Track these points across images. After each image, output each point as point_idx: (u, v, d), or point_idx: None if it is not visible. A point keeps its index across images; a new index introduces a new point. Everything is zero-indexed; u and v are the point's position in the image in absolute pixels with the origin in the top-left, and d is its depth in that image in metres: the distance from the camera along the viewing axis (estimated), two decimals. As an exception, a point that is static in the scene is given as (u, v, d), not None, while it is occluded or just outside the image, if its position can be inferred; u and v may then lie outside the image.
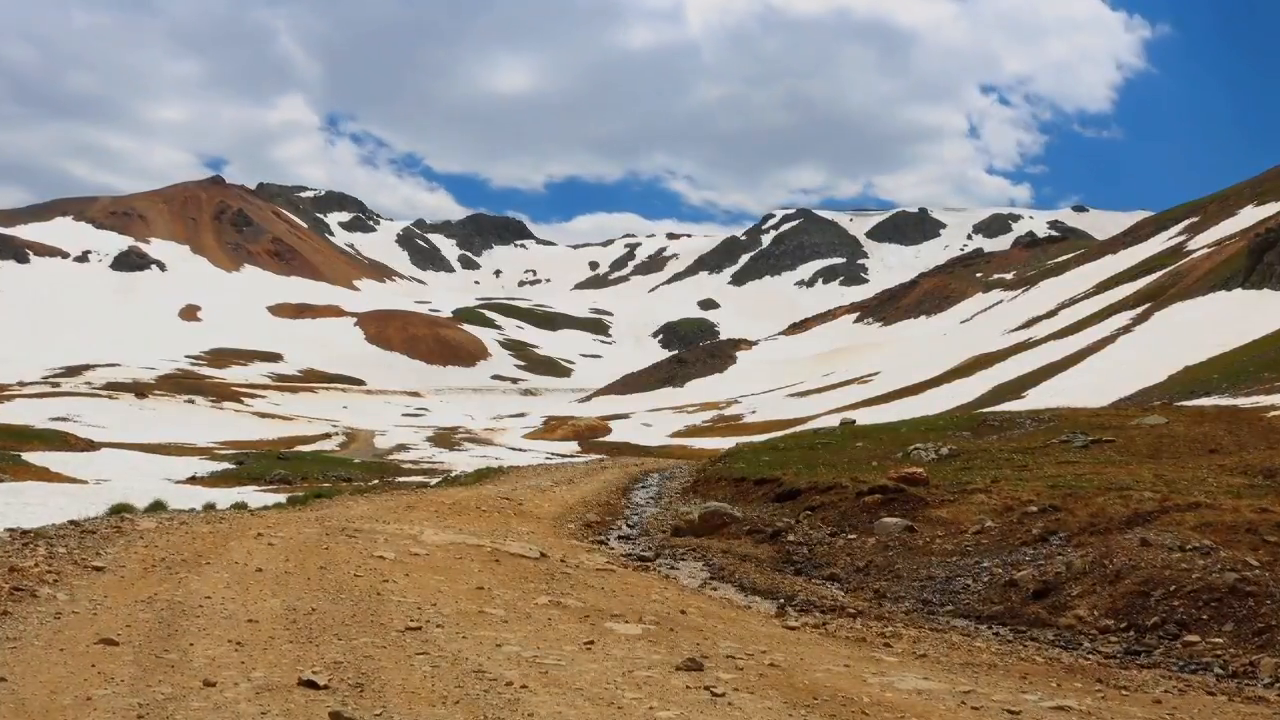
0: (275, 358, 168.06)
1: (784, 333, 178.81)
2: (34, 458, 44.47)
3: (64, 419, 77.87)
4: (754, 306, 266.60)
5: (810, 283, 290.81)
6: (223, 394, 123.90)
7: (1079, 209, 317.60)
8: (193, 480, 44.33)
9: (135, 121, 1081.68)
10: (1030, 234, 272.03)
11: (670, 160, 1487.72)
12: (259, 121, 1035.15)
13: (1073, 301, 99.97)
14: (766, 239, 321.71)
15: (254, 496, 27.80)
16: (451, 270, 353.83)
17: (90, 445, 57.97)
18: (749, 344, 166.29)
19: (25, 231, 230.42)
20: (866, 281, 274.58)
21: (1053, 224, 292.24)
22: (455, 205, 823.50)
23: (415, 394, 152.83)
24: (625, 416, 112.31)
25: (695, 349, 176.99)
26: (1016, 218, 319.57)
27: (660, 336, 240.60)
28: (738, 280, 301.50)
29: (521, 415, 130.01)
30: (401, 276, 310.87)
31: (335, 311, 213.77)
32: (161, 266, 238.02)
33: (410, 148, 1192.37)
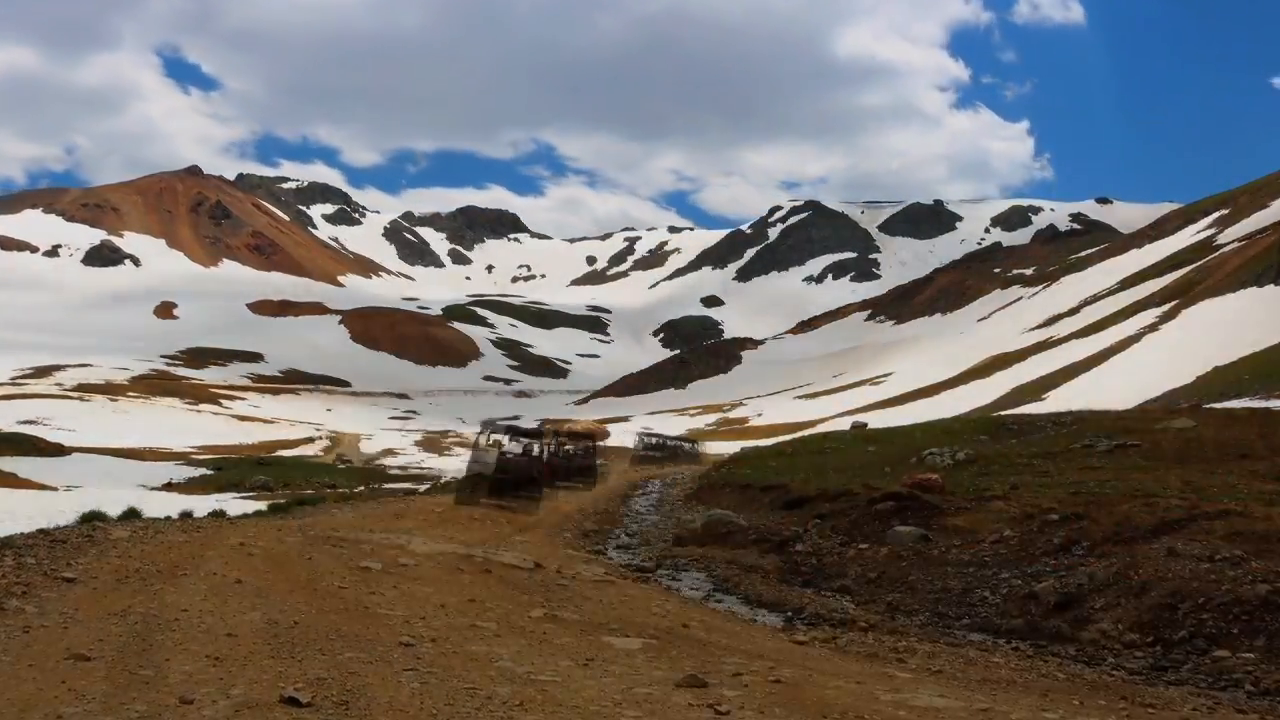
0: (255, 357, 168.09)
1: (791, 331, 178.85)
2: (0, 463, 44.46)
3: (32, 422, 77.76)
4: (760, 304, 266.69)
5: (819, 279, 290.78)
6: (200, 396, 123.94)
7: (1102, 201, 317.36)
8: (168, 487, 44.31)
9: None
10: (1051, 227, 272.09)
11: (540, 123, 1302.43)
12: (87, 77, 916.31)
13: (1096, 298, 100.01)
14: (773, 232, 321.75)
15: (233, 504, 27.75)
16: (441, 265, 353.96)
17: (60, 450, 57.94)
18: (755, 343, 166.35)
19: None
20: (878, 277, 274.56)
21: (1074, 217, 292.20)
22: (299, 167, 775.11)
23: (403, 396, 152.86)
24: (625, 419, 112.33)
25: (698, 348, 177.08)
26: (1036, 210, 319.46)
27: (661, 335, 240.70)
28: (743, 276, 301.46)
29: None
30: (389, 272, 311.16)
31: (319, 309, 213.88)
32: (136, 261, 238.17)
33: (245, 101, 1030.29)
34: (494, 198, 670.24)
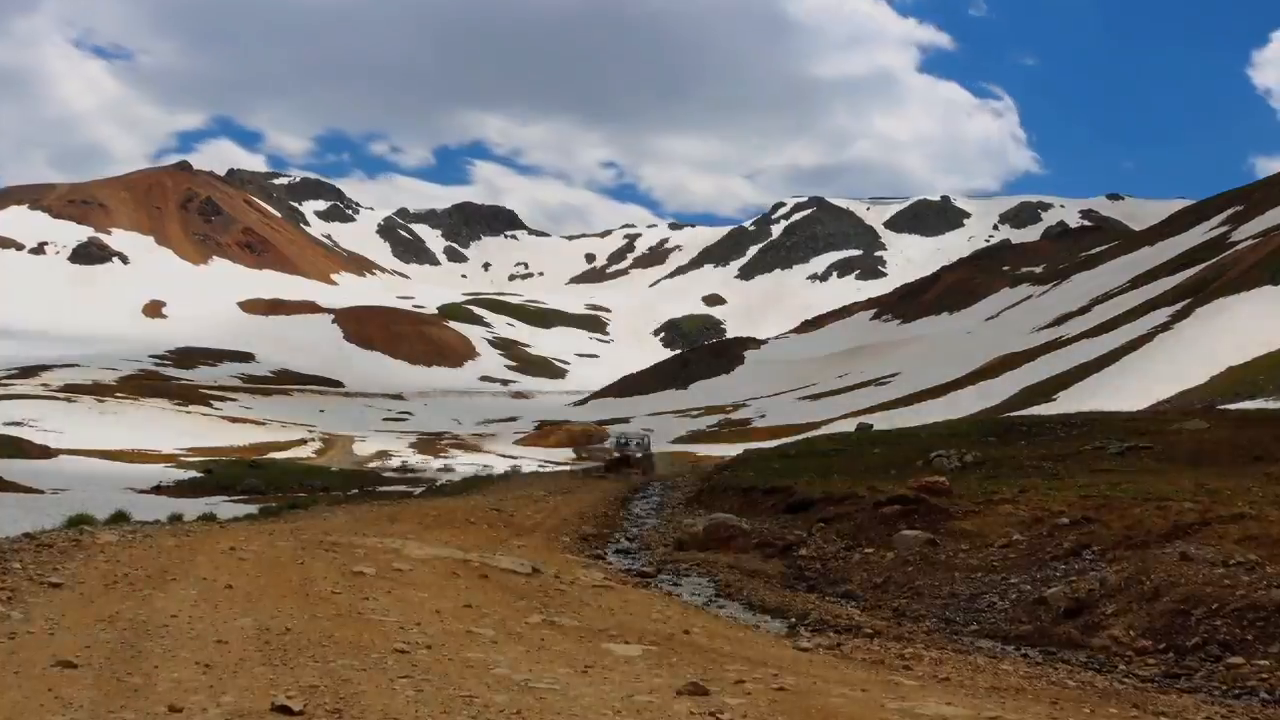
0: (246, 357, 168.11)
1: (795, 331, 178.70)
2: (-14, 465, 44.48)
3: (18, 423, 77.83)
4: (763, 302, 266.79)
5: (824, 277, 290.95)
6: (190, 397, 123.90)
7: (1114, 197, 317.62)
8: (157, 490, 44.40)
9: None
10: (1061, 224, 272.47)
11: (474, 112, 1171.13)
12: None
13: (1107, 297, 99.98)
14: (776, 229, 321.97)
15: (223, 507, 27.81)
16: (437, 263, 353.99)
17: (46, 452, 58.06)
18: (757, 343, 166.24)
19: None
20: (884, 275, 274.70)
21: (1085, 213, 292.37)
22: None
23: (397, 397, 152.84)
24: (624, 421, 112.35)
25: (699, 348, 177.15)
26: (1046, 206, 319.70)
27: (662, 335, 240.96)
28: (745, 274, 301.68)
29: (512, 420, 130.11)
30: (383, 270, 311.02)
31: (311, 307, 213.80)
32: (124, 259, 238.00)
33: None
34: (417, 187, 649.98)
